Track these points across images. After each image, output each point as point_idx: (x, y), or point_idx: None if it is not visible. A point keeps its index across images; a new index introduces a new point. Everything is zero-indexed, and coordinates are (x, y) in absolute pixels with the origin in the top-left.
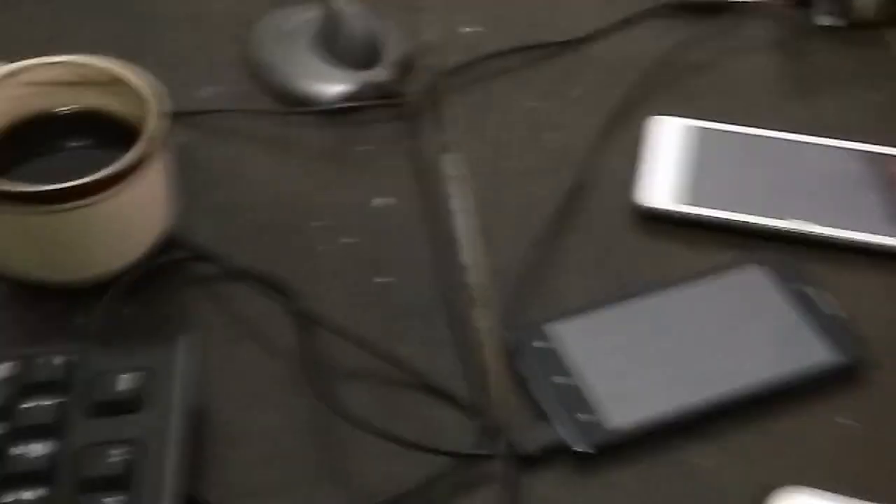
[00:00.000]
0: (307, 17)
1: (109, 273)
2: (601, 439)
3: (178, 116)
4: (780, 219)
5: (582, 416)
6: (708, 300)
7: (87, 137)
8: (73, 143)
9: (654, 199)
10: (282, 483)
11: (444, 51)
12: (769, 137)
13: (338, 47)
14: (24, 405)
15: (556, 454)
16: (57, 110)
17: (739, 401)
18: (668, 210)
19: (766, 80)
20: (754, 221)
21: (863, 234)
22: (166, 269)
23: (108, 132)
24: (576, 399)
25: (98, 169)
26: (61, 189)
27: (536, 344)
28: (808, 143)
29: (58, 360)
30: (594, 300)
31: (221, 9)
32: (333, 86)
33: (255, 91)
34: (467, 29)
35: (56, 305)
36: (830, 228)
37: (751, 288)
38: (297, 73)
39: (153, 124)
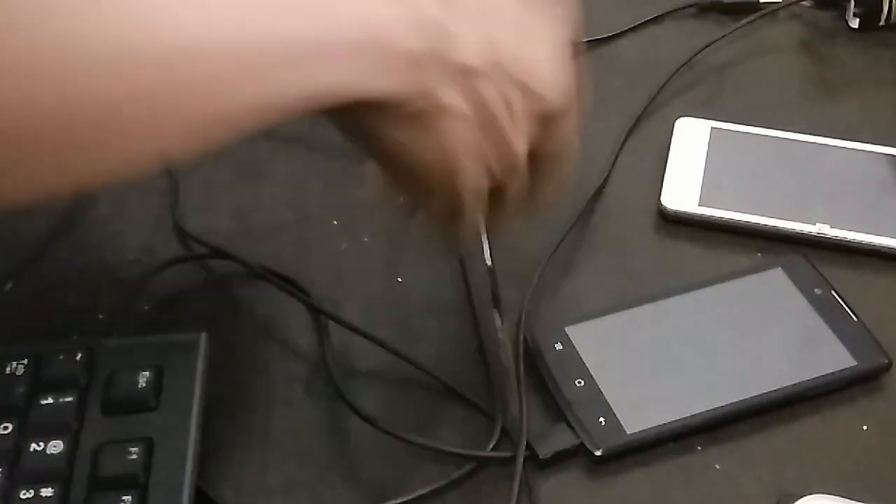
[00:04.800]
0: None
1: None
2: (620, 443)
3: None
4: (804, 222)
5: (601, 420)
6: (729, 303)
7: None
8: None
9: (677, 201)
10: (296, 482)
11: None
12: (794, 140)
13: None
14: (42, 401)
15: (575, 457)
16: None
17: (760, 406)
18: (690, 212)
19: (792, 82)
20: (777, 225)
21: (886, 238)
22: (186, 267)
23: None
24: (595, 402)
25: None
26: None
27: (556, 346)
28: (832, 145)
29: (76, 357)
30: (615, 303)
31: None
32: None
33: None
34: None
35: (75, 301)
36: (854, 232)
37: (773, 292)
38: None
39: None
